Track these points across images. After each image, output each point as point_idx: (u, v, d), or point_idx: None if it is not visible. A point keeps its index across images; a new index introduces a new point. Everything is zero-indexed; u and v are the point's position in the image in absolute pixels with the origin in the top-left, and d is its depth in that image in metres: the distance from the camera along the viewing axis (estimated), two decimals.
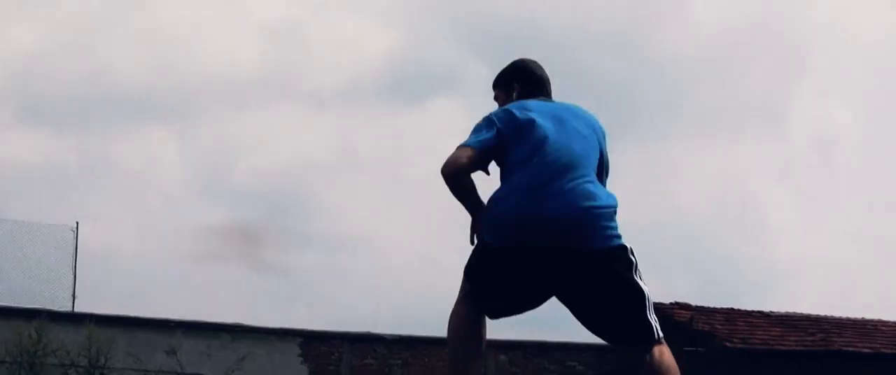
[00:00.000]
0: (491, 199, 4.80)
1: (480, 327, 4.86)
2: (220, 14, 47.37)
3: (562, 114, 4.97)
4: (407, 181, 45.23)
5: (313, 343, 19.54)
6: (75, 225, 19.50)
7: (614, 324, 4.76)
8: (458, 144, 4.93)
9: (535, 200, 4.61)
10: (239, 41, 46.91)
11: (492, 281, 4.78)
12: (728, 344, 20.69)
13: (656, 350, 4.75)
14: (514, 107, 4.97)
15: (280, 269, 38.23)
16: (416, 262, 40.22)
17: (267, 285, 34.81)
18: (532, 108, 4.93)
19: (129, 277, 30.21)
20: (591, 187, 4.73)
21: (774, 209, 43.47)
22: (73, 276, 19.40)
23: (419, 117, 47.06)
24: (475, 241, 4.90)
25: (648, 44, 44.39)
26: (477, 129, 4.93)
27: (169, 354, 17.70)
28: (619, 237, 4.72)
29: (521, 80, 5.22)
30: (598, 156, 4.94)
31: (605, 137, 5.08)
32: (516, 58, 5.36)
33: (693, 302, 22.88)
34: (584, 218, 4.64)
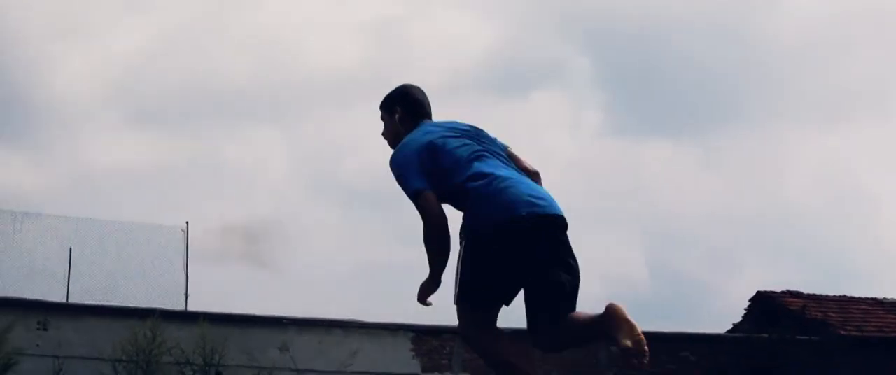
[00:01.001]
0: (471, 207, 5.23)
1: (506, 339, 5.40)
2: (323, 13, 47.77)
3: (451, 125, 5.61)
4: None
5: (425, 338, 19.52)
6: (185, 225, 19.84)
7: (570, 285, 5.22)
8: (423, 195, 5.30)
9: (512, 186, 5.19)
10: (342, 40, 47.26)
11: (486, 272, 5.18)
12: (842, 332, 20.29)
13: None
14: (408, 145, 5.46)
15: (388, 264, 38.39)
16: None
17: (377, 280, 34.96)
18: (427, 131, 5.53)
19: (238, 275, 30.61)
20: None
21: (885, 195, 42.46)
22: (184, 276, 19.74)
23: (522, 111, 46.82)
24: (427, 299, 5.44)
25: (753, 32, 43.71)
26: (408, 177, 5.32)
27: (282, 351, 17.84)
28: None
29: (403, 104, 5.79)
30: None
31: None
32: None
33: (805, 291, 22.47)
34: (549, 195, 5.31)
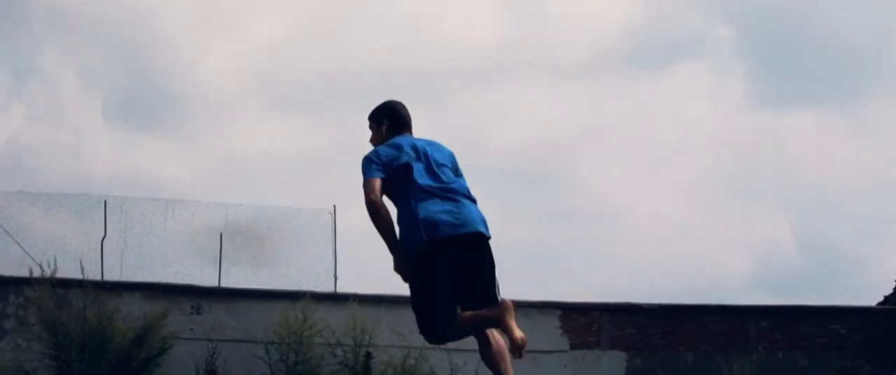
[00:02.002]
0: (410, 215, 6.56)
1: (488, 340, 6.86)
2: None
3: (422, 145, 6.83)
4: (656, 148, 44.46)
5: (573, 315, 19.32)
6: (332, 208, 20.01)
7: (486, 289, 6.63)
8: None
9: (453, 207, 6.55)
10: (482, 17, 47.16)
11: (439, 273, 6.54)
12: None
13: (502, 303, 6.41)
14: (382, 147, 6.80)
15: (537, 242, 38.30)
16: (670, 230, 39.56)
17: (524, 258, 34.91)
18: (401, 144, 6.79)
19: (384, 256, 30.81)
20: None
21: None
22: (333, 258, 19.91)
23: (665, 83, 46.21)
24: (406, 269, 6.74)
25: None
26: (367, 168, 6.68)
27: None
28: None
29: (389, 118, 7.03)
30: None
31: (455, 158, 7.01)
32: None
33: None
34: (481, 216, 6.70)
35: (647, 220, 42.99)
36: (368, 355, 16.50)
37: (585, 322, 19.15)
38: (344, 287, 19.86)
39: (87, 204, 19.67)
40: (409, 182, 6.58)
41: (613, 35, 46.15)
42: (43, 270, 15.81)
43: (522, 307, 17.49)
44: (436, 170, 6.71)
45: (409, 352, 16.47)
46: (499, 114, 46.98)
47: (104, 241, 19.26)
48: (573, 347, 19.05)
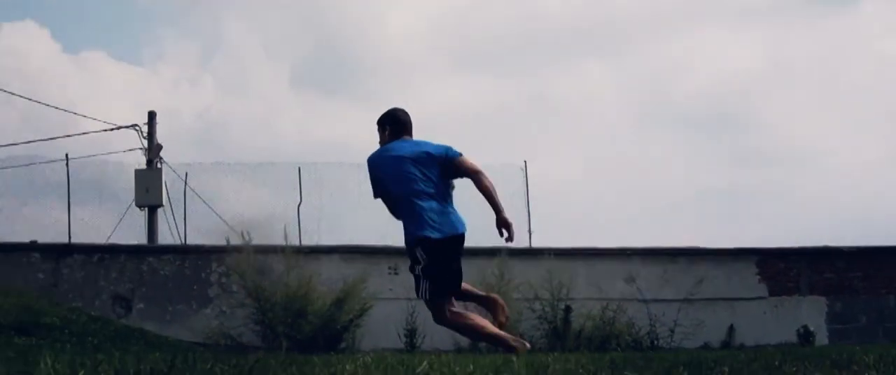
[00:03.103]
0: (420, 214, 8.23)
1: (470, 315, 8.51)
2: None
3: (410, 149, 8.32)
4: (846, 87, 42.95)
5: (770, 261, 18.55)
6: (524, 163, 19.95)
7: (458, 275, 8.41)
8: None
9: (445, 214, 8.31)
10: None
11: (446, 261, 8.25)
12: None
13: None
14: (384, 151, 8.47)
15: (728, 189, 37.50)
16: (866, 169, 38.19)
17: (717, 205, 34.28)
18: (391, 149, 8.40)
19: (578, 209, 30.67)
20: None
21: None
22: (527, 213, 19.88)
23: (852, 20, 44.49)
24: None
25: None
26: (373, 184, 8.55)
27: (628, 282, 17.74)
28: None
29: (391, 124, 8.47)
30: (436, 170, 8.31)
31: (444, 150, 8.39)
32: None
33: None
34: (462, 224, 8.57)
35: (842, 161, 41.72)
36: (567, 309, 16.42)
37: (784, 268, 18.52)
38: (538, 241, 19.80)
39: (281, 171, 20.13)
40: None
41: None
42: (243, 237, 16.17)
43: (718, 255, 17.23)
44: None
45: (608, 304, 16.33)
46: (683, 62, 46.17)
47: (300, 207, 19.68)
48: (772, 294, 18.53)
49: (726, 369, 4.67)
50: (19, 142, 22.48)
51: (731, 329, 18.31)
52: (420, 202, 8.13)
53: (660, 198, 34.54)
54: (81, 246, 18.66)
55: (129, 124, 22.57)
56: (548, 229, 21.00)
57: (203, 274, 18.11)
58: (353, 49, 53.51)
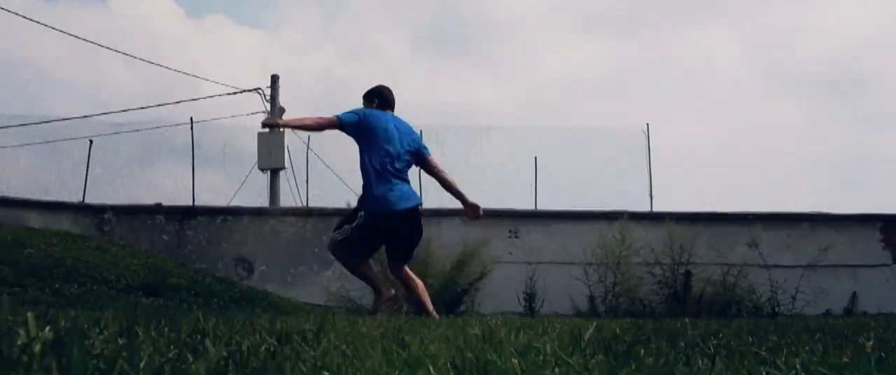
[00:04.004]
0: (367, 190, 8.81)
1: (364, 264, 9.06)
2: None
3: (397, 122, 9.03)
4: None
5: (895, 227, 18.59)
6: (646, 127, 19.75)
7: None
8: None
9: (393, 190, 8.79)
10: None
11: (372, 238, 8.86)
12: None
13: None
14: (369, 112, 8.99)
15: (851, 153, 36.74)
16: None
17: (840, 170, 33.57)
18: (379, 116, 8.94)
19: (699, 173, 30.30)
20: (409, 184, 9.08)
21: None
22: (648, 177, 19.69)
23: None
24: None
25: None
26: (348, 112, 8.88)
27: (750, 247, 17.50)
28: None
29: (379, 98, 9.18)
30: (414, 150, 9.08)
31: (421, 145, 9.29)
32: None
33: None
34: (416, 199, 9.05)
35: None
36: (688, 273, 16.26)
37: None
38: (660, 205, 19.64)
39: None
40: (372, 152, 8.76)
41: None
42: None
43: (841, 220, 16.93)
44: (395, 156, 8.83)
45: (729, 269, 16.14)
46: (808, 23, 45.09)
47: (421, 171, 19.72)
48: None
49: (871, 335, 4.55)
50: (145, 106, 22.85)
51: (854, 296, 17.98)
52: (390, 177, 8.79)
53: (782, 162, 33.93)
54: (205, 209, 18.99)
55: (252, 88, 22.80)
56: (669, 193, 20.79)
57: (325, 237, 18.32)
58: (475, 12, 53.43)
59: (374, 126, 8.80)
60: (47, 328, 2.64)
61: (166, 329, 3.60)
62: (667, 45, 49.11)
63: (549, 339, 3.76)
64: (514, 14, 51.88)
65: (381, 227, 8.74)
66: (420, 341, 3.55)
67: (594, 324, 5.22)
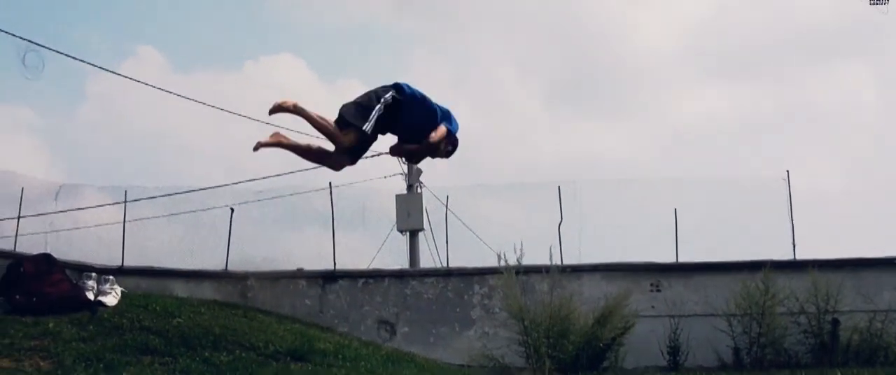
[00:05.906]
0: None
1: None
2: None
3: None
4: None
5: None
6: (786, 174, 19.43)
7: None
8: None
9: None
10: None
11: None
12: None
13: None
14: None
15: None
16: None
17: None
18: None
19: (841, 218, 29.63)
20: None
21: None
22: (790, 224, 19.33)
23: None
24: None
25: None
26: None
27: None
28: None
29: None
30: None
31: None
32: None
33: None
34: None
35: None
36: (835, 321, 15.94)
37: None
38: (803, 253, 19.29)
39: (540, 191, 20.23)
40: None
41: None
42: (506, 259, 16.25)
43: None
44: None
45: (875, 315, 15.75)
46: None
47: (561, 226, 19.70)
48: None
49: None
50: (284, 172, 23.25)
51: None
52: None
53: None
54: (346, 272, 19.22)
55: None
56: (812, 240, 20.38)
57: (465, 297, 18.44)
58: (604, 63, 53.42)
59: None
60: None
61: None
62: (803, 86, 48.40)
63: None
64: (643, 64, 51.77)
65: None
66: None
67: None
